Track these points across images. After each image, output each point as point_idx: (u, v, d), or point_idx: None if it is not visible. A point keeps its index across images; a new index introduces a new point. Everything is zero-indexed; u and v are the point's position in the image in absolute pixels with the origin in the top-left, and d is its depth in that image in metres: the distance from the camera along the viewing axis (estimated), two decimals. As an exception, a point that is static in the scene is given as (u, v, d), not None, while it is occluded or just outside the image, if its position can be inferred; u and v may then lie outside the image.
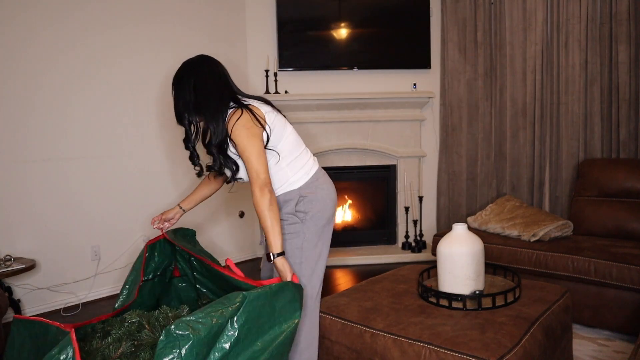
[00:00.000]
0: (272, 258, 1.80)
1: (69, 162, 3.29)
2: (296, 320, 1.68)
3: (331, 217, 2.01)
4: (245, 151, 1.81)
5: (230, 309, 1.52)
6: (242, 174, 1.94)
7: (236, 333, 1.52)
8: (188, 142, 1.94)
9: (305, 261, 1.94)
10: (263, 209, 1.78)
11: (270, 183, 1.84)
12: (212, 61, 1.92)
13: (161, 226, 2.15)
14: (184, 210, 2.18)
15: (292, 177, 1.94)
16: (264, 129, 1.84)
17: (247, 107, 1.84)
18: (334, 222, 2.06)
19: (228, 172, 1.96)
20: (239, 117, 1.81)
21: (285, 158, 1.93)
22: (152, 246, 2.13)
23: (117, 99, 3.50)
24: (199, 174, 2.01)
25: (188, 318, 1.44)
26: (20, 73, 3.06)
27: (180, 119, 1.91)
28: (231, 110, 1.85)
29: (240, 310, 1.54)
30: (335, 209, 2.05)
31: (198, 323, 1.43)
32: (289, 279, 1.78)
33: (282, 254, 1.79)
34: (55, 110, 3.22)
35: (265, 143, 1.85)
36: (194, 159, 1.98)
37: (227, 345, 1.50)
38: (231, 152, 1.90)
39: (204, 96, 1.85)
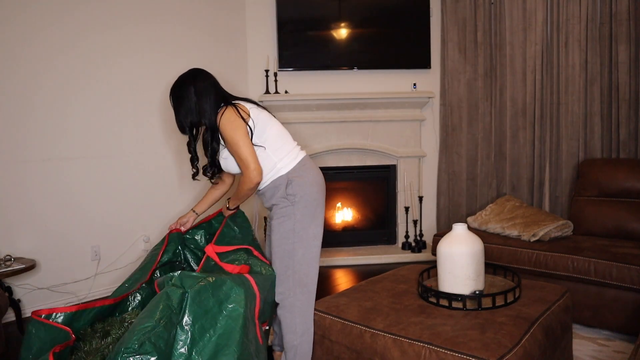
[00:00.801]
0: (227, 206, 2.26)
1: (69, 162, 3.29)
2: (242, 297, 1.70)
3: (320, 200, 2.13)
4: (233, 144, 2.01)
5: (174, 310, 1.54)
6: (231, 167, 2.13)
7: (189, 334, 1.54)
8: (190, 147, 2.15)
9: (298, 241, 2.06)
10: (246, 189, 2.07)
11: (262, 173, 2.03)
12: (204, 72, 2.15)
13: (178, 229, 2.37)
14: (197, 214, 2.37)
15: (279, 164, 2.08)
16: (247, 123, 2.03)
17: (232, 104, 2.06)
18: (324, 206, 2.18)
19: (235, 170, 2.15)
20: (223, 113, 2.03)
21: (271, 146, 2.08)
22: (171, 236, 2.30)
23: (117, 99, 3.50)
24: (194, 176, 2.23)
25: (148, 334, 1.44)
26: (20, 73, 3.06)
27: (182, 127, 2.11)
28: (220, 109, 2.06)
29: (186, 311, 1.56)
30: (324, 193, 2.17)
31: (159, 338, 1.45)
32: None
33: (235, 209, 2.27)
34: (55, 110, 3.22)
35: (250, 135, 2.04)
36: (194, 161, 2.19)
37: (184, 350, 1.52)
38: (221, 151, 2.12)
39: (204, 102, 2.06)
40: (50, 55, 3.17)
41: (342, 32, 4.32)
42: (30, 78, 3.10)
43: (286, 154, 2.10)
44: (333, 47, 4.33)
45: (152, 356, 1.40)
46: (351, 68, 4.37)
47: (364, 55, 4.35)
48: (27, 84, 3.09)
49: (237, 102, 2.09)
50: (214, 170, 2.17)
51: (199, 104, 2.05)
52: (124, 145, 3.56)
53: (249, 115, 2.05)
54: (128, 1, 3.53)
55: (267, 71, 4.24)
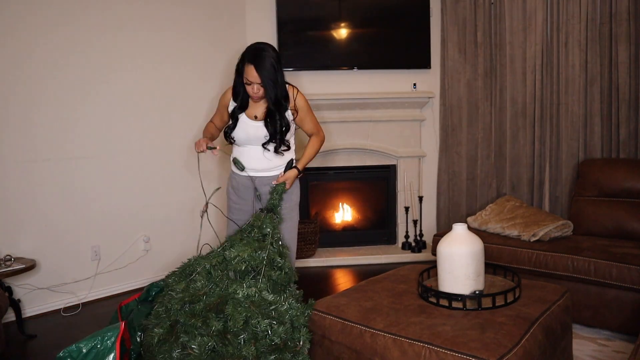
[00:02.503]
0: (293, 164, 2.49)
1: (69, 162, 3.29)
2: None
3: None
4: (311, 113, 2.52)
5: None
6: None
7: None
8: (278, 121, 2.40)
9: (295, 235, 2.56)
10: (319, 147, 2.62)
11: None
12: None
13: (210, 146, 2.47)
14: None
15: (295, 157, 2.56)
16: None
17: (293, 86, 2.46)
18: None
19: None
20: (298, 92, 2.43)
21: (294, 144, 2.54)
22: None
23: (118, 100, 3.50)
24: (277, 149, 2.45)
25: None
26: (24, 74, 3.06)
27: (279, 96, 2.34)
28: (288, 86, 2.41)
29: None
30: None
31: None
32: (289, 182, 2.45)
33: (300, 172, 2.51)
34: (58, 111, 3.22)
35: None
36: (276, 137, 2.42)
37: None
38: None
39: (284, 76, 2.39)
40: (56, 57, 3.18)
41: (342, 32, 4.32)
42: (33, 79, 3.11)
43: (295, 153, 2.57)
44: (333, 47, 4.33)
45: None
46: (351, 68, 4.37)
47: (364, 55, 4.35)
48: (32, 85, 3.10)
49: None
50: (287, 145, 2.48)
51: (282, 75, 2.34)
52: (124, 145, 3.56)
53: None
54: (132, 5, 3.53)
55: (267, 71, 4.24)
